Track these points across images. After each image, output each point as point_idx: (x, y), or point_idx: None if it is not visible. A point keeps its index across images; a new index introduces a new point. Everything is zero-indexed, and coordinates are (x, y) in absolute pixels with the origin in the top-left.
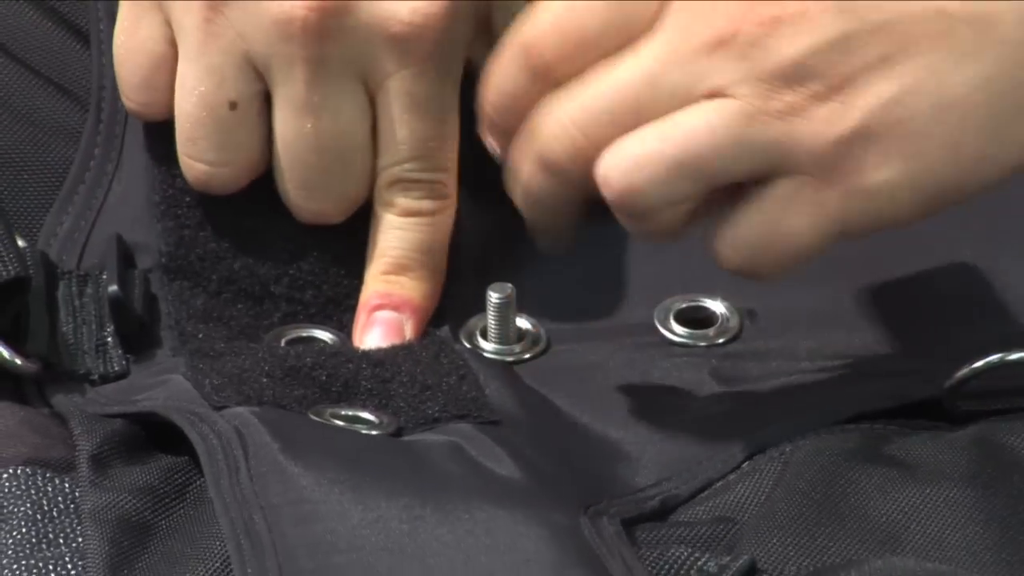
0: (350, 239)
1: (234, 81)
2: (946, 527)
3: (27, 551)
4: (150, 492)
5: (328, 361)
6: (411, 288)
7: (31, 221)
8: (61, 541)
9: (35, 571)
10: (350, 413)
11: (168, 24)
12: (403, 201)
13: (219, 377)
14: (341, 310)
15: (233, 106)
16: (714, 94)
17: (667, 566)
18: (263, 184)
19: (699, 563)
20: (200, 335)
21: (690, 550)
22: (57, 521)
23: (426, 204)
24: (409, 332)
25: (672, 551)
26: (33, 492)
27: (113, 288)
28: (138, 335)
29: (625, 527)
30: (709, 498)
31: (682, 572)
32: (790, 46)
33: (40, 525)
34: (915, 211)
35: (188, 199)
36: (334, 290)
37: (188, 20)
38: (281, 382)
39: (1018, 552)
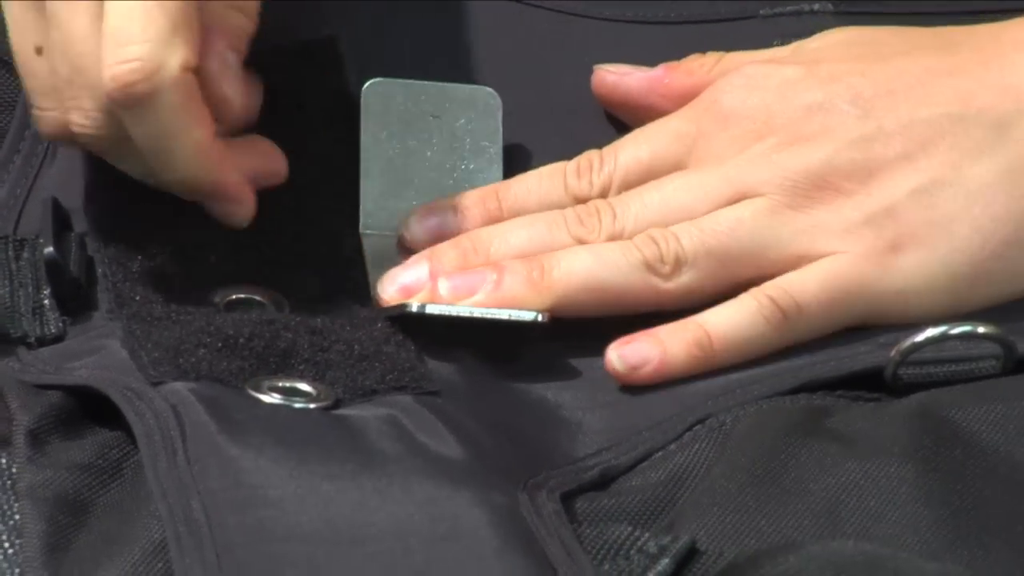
0: (288, 200)
1: (30, 25)
2: (886, 503)
3: None
4: (87, 469)
5: (265, 330)
6: None
7: None
8: None
9: None
10: (288, 385)
11: None
12: (113, 90)
13: (156, 348)
14: (279, 270)
15: (39, 51)
16: (746, 194)
17: (607, 545)
18: None
19: (639, 543)
20: (137, 297)
21: (630, 529)
22: None
23: (136, 88)
24: None
25: (612, 530)
26: None
27: (49, 250)
28: (75, 298)
29: (564, 500)
30: (649, 468)
31: (622, 552)
32: (815, 150)
33: None
34: (949, 298)
35: None
36: (272, 250)
37: None
38: (218, 353)
39: (958, 529)
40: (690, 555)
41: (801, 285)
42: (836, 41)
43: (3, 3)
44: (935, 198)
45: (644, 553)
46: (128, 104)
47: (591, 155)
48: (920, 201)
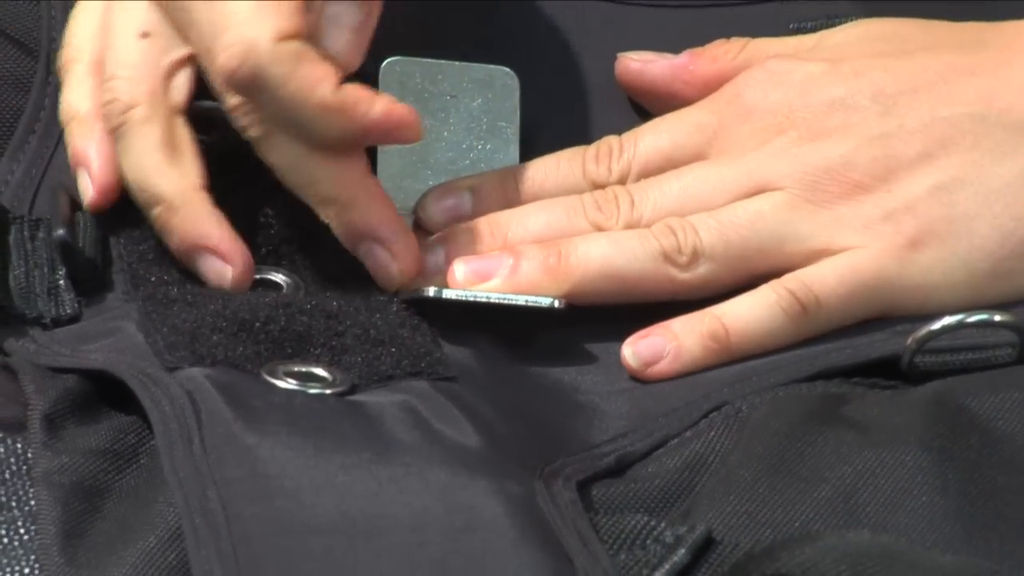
0: None
1: (139, 9)
2: (902, 492)
3: None
4: (103, 454)
5: (281, 313)
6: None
7: None
8: (14, 504)
9: None
10: (303, 370)
11: None
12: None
13: (171, 332)
14: (295, 250)
15: (145, 35)
16: (766, 187)
17: (623, 535)
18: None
19: (655, 532)
20: (152, 278)
21: (647, 518)
22: (9, 484)
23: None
24: None
25: (628, 519)
26: None
27: (60, 232)
28: (90, 278)
29: (580, 487)
30: (665, 455)
31: (638, 541)
32: (835, 145)
33: None
34: (970, 294)
35: None
36: (288, 230)
37: None
38: (234, 338)
39: (975, 518)
40: (706, 545)
41: (820, 278)
42: (860, 35)
43: None
44: (955, 196)
45: (660, 543)
46: (242, 89)
47: (611, 140)
48: (940, 198)
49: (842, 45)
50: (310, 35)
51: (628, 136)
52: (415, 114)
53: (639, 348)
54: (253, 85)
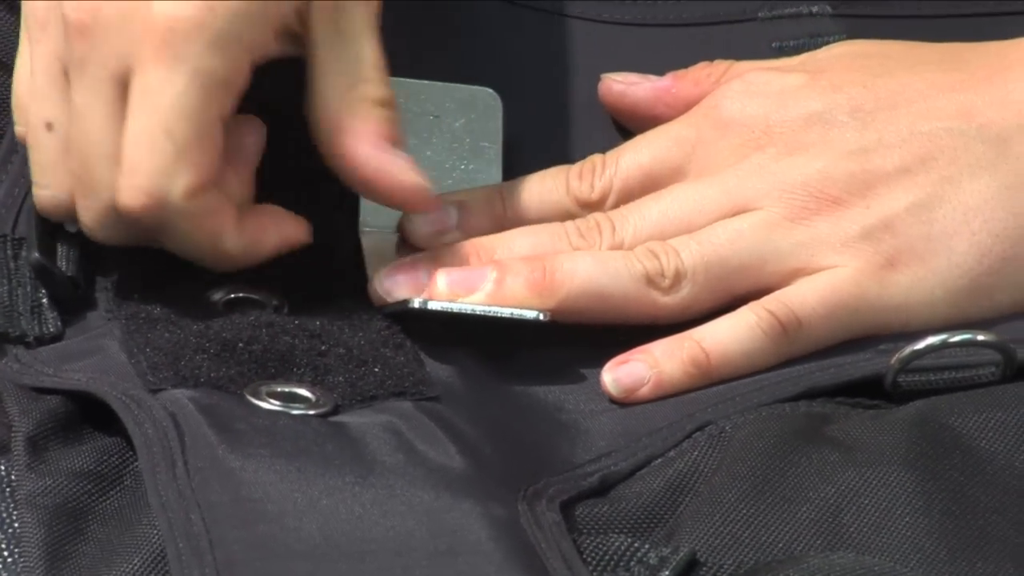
0: (287, 198)
1: (49, 100)
2: (886, 512)
3: None
4: (86, 476)
5: (263, 333)
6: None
7: None
8: None
9: None
10: (286, 390)
11: None
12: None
13: (155, 353)
14: (278, 268)
15: (49, 127)
16: (745, 207)
17: (607, 556)
18: None
19: (639, 554)
20: (135, 296)
21: (630, 540)
22: None
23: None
24: None
25: (612, 541)
26: None
27: (35, 255)
28: (72, 298)
29: (564, 507)
30: (649, 475)
31: (622, 563)
32: (812, 160)
33: None
34: (950, 312)
35: None
36: None
37: (25, 35)
38: (217, 358)
39: (959, 537)
40: (690, 567)
41: (800, 299)
42: (843, 53)
43: (30, 68)
44: (933, 213)
45: (644, 564)
46: (137, 225)
47: (594, 159)
48: (918, 216)
49: (824, 61)
50: (218, 180)
51: (611, 154)
52: (303, 225)
53: (619, 375)
54: (153, 227)
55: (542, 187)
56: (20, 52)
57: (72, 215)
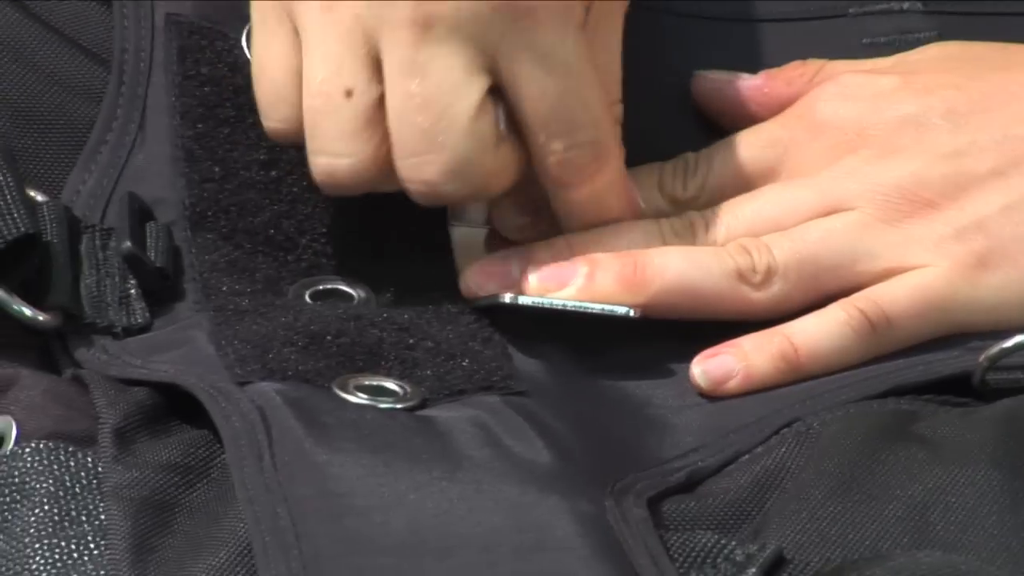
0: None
1: (351, 68)
2: (973, 510)
3: (50, 529)
4: (173, 469)
5: (352, 326)
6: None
7: (54, 180)
8: (84, 519)
9: (58, 550)
10: (374, 383)
11: (296, 31)
12: (564, 175)
13: (243, 345)
14: (366, 260)
15: (349, 93)
16: (838, 207)
17: (693, 553)
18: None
19: (726, 551)
20: (224, 288)
21: (717, 536)
22: (80, 498)
23: (586, 170)
24: None
25: (699, 537)
26: (56, 467)
27: (127, 244)
28: (160, 288)
29: (650, 503)
30: (736, 471)
31: (708, 560)
32: (906, 163)
33: (63, 502)
34: None
35: (210, 153)
36: (359, 240)
37: (307, 14)
38: (305, 351)
39: None
40: (777, 564)
41: (891, 297)
42: (936, 55)
43: (316, 45)
44: None
45: (731, 561)
46: (576, 183)
47: (687, 157)
48: (1011, 217)
49: (918, 63)
50: None
51: (703, 153)
52: None
53: (708, 368)
54: (592, 182)
55: (634, 183)
56: (260, 43)
57: (368, 184)
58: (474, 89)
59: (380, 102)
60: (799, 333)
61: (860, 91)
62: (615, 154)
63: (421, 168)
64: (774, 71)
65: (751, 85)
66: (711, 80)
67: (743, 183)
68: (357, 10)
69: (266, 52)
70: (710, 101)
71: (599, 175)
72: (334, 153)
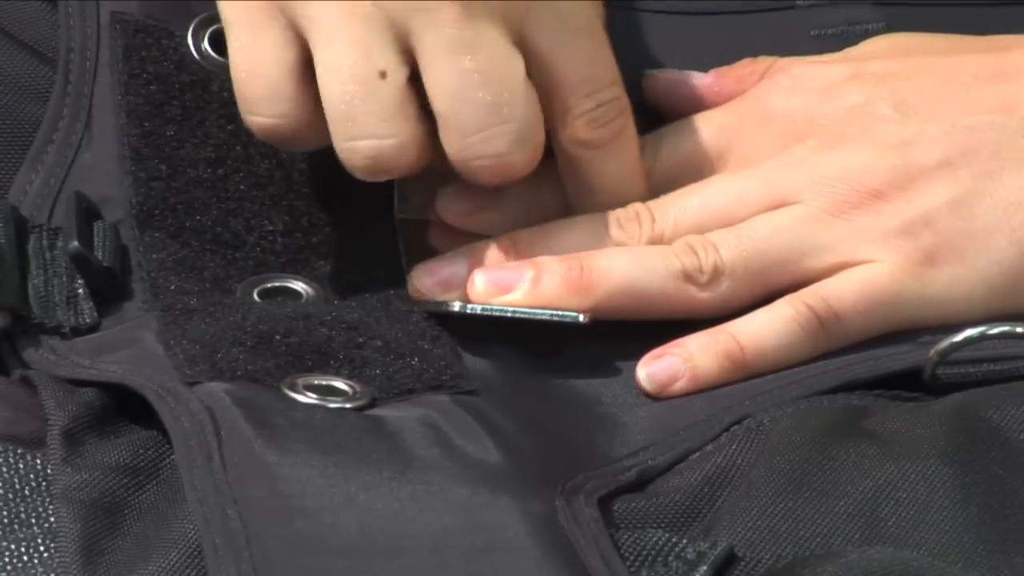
0: (323, 186)
1: (380, 49)
2: (924, 506)
3: (0, 532)
4: (122, 470)
5: (301, 325)
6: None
7: (1, 180)
8: (33, 521)
9: (7, 553)
10: (323, 383)
11: (291, 28)
12: (595, 134)
13: (191, 345)
14: (315, 257)
15: (383, 75)
16: (785, 200)
17: (644, 551)
18: (234, 134)
19: (677, 549)
20: (172, 287)
21: (668, 535)
22: (29, 500)
23: (614, 126)
24: None
25: (650, 536)
26: (4, 470)
27: (73, 244)
28: (108, 288)
29: (601, 503)
30: (686, 469)
31: (660, 558)
32: (853, 153)
33: (12, 505)
34: (989, 307)
35: (157, 152)
36: (307, 238)
37: (319, 4)
38: (253, 351)
39: (998, 531)
40: (728, 562)
41: (838, 293)
42: (886, 46)
43: (336, 33)
44: (974, 209)
45: (682, 560)
46: (604, 143)
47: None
48: (958, 212)
49: (867, 54)
50: None
51: (651, 137)
52: None
53: (654, 370)
54: (616, 140)
55: None
56: (246, 42)
57: (410, 164)
58: (519, 57)
59: (409, 82)
60: (745, 331)
61: (811, 82)
62: (631, 114)
63: (491, 142)
64: (724, 69)
65: (702, 84)
66: (662, 80)
67: (691, 169)
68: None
69: (255, 50)
70: (660, 98)
71: (625, 133)
72: (378, 135)
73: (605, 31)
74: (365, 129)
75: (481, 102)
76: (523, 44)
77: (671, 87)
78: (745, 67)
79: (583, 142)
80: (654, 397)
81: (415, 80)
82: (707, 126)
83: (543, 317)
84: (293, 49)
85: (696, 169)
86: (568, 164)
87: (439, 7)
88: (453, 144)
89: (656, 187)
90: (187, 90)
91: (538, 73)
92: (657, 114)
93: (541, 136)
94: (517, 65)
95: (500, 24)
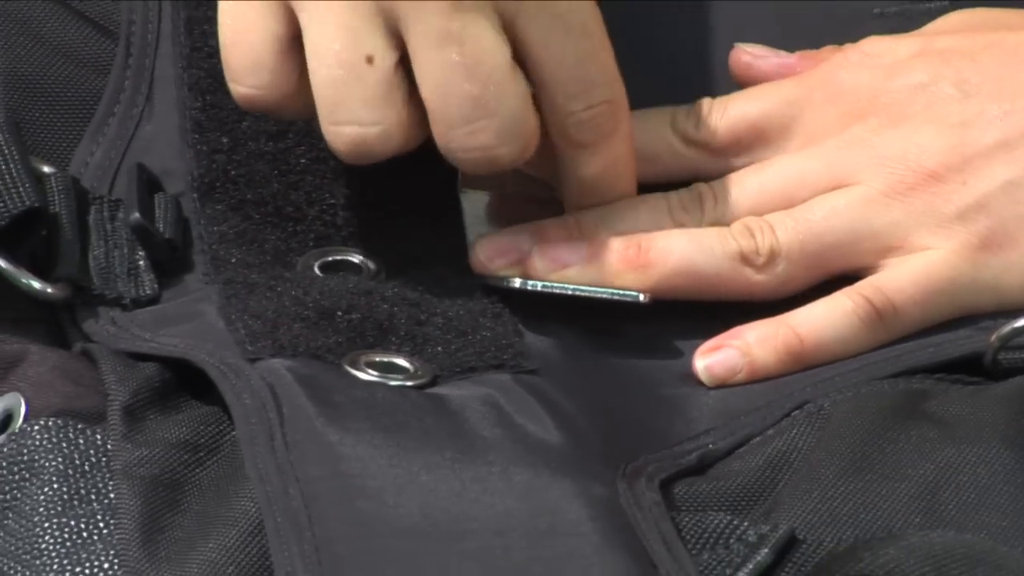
0: (385, 159)
1: (368, 35)
2: (985, 489)
3: (59, 508)
4: (183, 446)
5: (363, 301)
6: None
7: (62, 151)
8: (93, 497)
9: (67, 529)
10: (385, 360)
11: (281, 1)
12: (582, 135)
13: (253, 321)
14: (375, 231)
15: (370, 60)
16: (844, 181)
17: (706, 534)
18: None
19: (738, 531)
20: (233, 259)
21: (729, 517)
22: (89, 476)
23: (603, 128)
24: None
25: (711, 519)
26: (65, 445)
27: (135, 215)
28: (169, 260)
29: (663, 486)
30: (747, 453)
31: (721, 541)
32: (913, 133)
33: (72, 480)
34: None
35: (218, 124)
36: (369, 212)
37: None
38: (315, 327)
39: None
40: (789, 544)
41: (895, 284)
42: (958, 21)
43: (326, 15)
44: None
45: (744, 542)
46: (590, 144)
47: (703, 101)
48: (1013, 194)
49: (938, 33)
50: None
51: (721, 100)
52: None
53: (712, 363)
54: (606, 141)
55: (646, 125)
56: (234, 9)
57: (395, 150)
58: (507, 50)
59: (397, 68)
60: (804, 323)
61: (879, 59)
62: (628, 117)
63: (476, 135)
64: (809, 53)
65: (784, 63)
66: (747, 53)
67: (755, 135)
68: None
69: (242, 18)
70: (743, 74)
71: (615, 136)
72: (363, 121)
73: (603, 30)
74: (350, 114)
75: (467, 95)
76: (514, 39)
77: (754, 63)
78: (830, 52)
79: (571, 141)
80: (713, 386)
81: (405, 64)
82: (775, 95)
83: (603, 296)
84: (281, 22)
85: (760, 136)
86: (557, 159)
87: None
88: (440, 135)
89: (719, 149)
90: None
91: (529, 69)
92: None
93: (531, 129)
94: (504, 58)
95: (489, 17)
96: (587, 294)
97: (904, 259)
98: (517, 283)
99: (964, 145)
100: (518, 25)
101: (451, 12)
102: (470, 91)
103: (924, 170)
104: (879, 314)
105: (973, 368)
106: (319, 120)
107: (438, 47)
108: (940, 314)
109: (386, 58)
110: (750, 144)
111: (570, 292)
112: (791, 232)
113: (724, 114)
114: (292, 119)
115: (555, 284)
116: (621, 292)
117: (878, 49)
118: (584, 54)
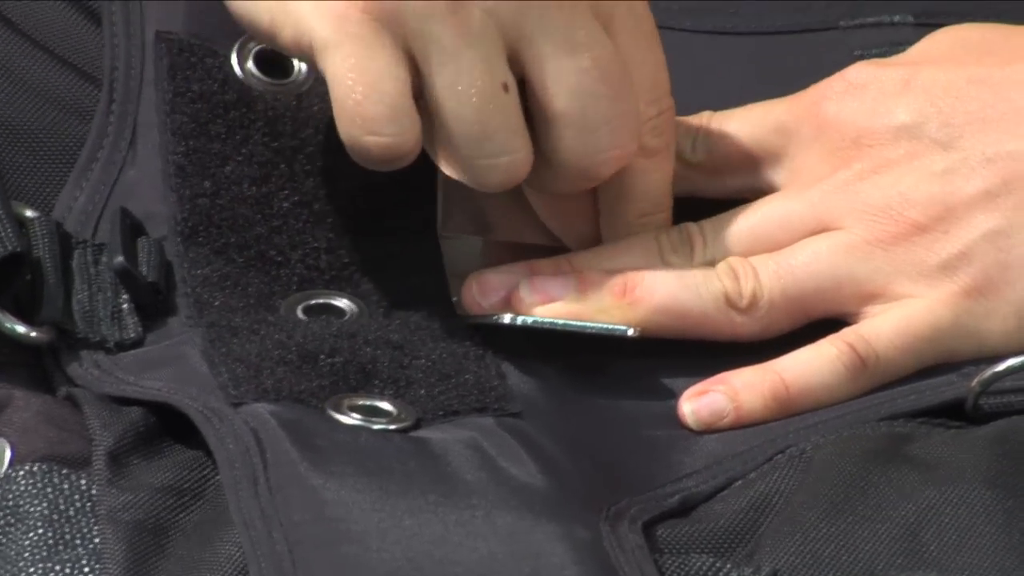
0: (366, 203)
1: (499, 62)
2: (966, 530)
3: (44, 553)
4: (167, 491)
5: (346, 344)
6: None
7: (46, 196)
8: (78, 543)
9: (52, 574)
10: (368, 403)
11: (402, 46)
12: (655, 142)
13: (236, 365)
14: (359, 274)
15: (506, 88)
16: (828, 225)
17: None
18: (278, 151)
19: (721, 573)
20: (216, 303)
21: (712, 559)
22: (74, 521)
23: (668, 135)
24: None
25: (694, 560)
26: (49, 491)
27: (119, 259)
28: (152, 303)
29: (645, 527)
30: (730, 496)
31: None
32: (896, 181)
33: (57, 526)
34: None
35: (201, 169)
36: (351, 255)
37: (435, 23)
38: (298, 371)
39: None
40: None
41: (877, 333)
42: (947, 46)
43: (457, 48)
44: (1012, 240)
45: None
46: (657, 152)
47: (694, 120)
48: (996, 243)
49: (925, 55)
50: None
51: (714, 119)
52: None
53: (698, 408)
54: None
55: None
56: (358, 60)
57: (516, 180)
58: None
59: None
60: (790, 370)
61: (863, 93)
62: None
63: (617, 133)
64: None
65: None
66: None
67: (745, 160)
68: (487, 7)
69: (369, 71)
70: None
71: (673, 144)
72: (514, 149)
73: None
74: (501, 145)
75: (603, 96)
76: None
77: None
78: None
79: (643, 148)
80: (698, 431)
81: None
82: (765, 122)
83: (592, 331)
84: (407, 69)
85: (748, 161)
86: (604, 187)
87: (546, 8)
88: (575, 141)
89: (711, 169)
90: (231, 108)
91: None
92: None
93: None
94: (621, 59)
95: (597, 22)
96: (576, 329)
97: (886, 307)
98: (507, 319)
99: (947, 195)
100: (610, 29)
101: (575, 22)
102: (605, 92)
103: (907, 220)
104: (863, 361)
105: (955, 412)
106: (461, 159)
107: (569, 56)
108: (922, 361)
109: (513, 82)
110: (739, 167)
111: (560, 327)
112: (773, 276)
113: (718, 139)
114: (403, 165)
115: (544, 320)
116: (610, 327)
117: (863, 78)
118: (659, 59)
